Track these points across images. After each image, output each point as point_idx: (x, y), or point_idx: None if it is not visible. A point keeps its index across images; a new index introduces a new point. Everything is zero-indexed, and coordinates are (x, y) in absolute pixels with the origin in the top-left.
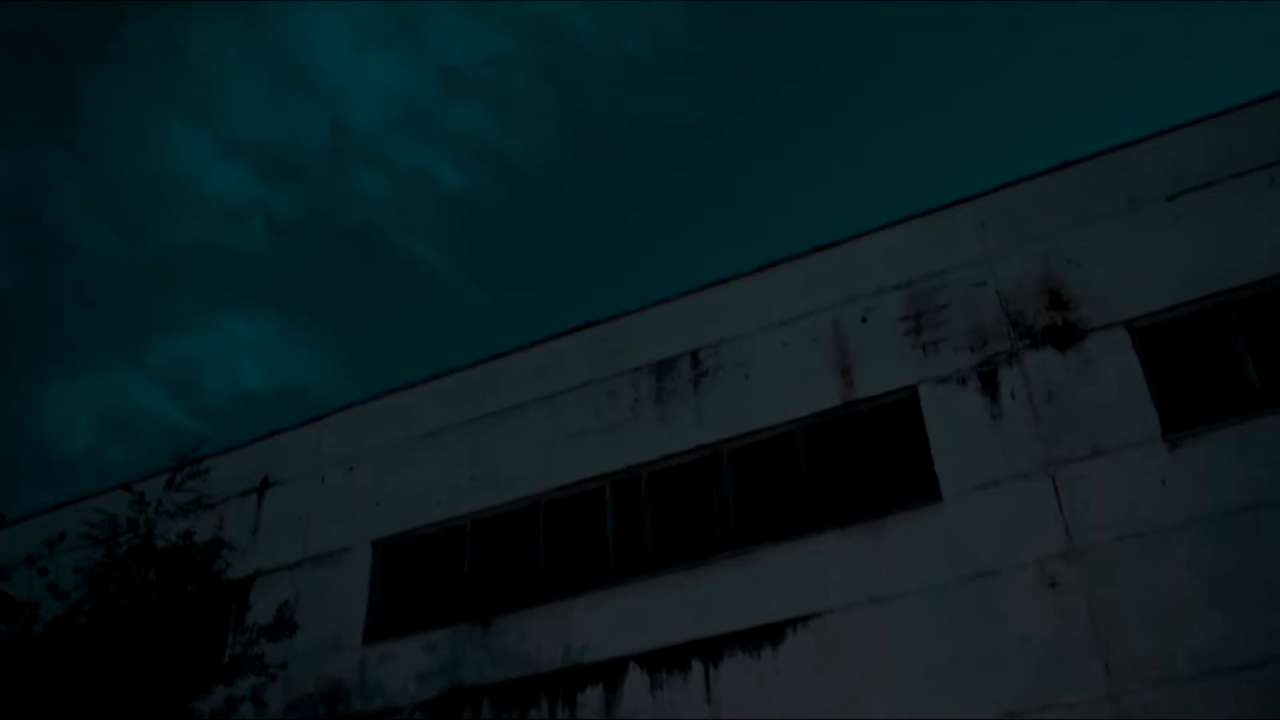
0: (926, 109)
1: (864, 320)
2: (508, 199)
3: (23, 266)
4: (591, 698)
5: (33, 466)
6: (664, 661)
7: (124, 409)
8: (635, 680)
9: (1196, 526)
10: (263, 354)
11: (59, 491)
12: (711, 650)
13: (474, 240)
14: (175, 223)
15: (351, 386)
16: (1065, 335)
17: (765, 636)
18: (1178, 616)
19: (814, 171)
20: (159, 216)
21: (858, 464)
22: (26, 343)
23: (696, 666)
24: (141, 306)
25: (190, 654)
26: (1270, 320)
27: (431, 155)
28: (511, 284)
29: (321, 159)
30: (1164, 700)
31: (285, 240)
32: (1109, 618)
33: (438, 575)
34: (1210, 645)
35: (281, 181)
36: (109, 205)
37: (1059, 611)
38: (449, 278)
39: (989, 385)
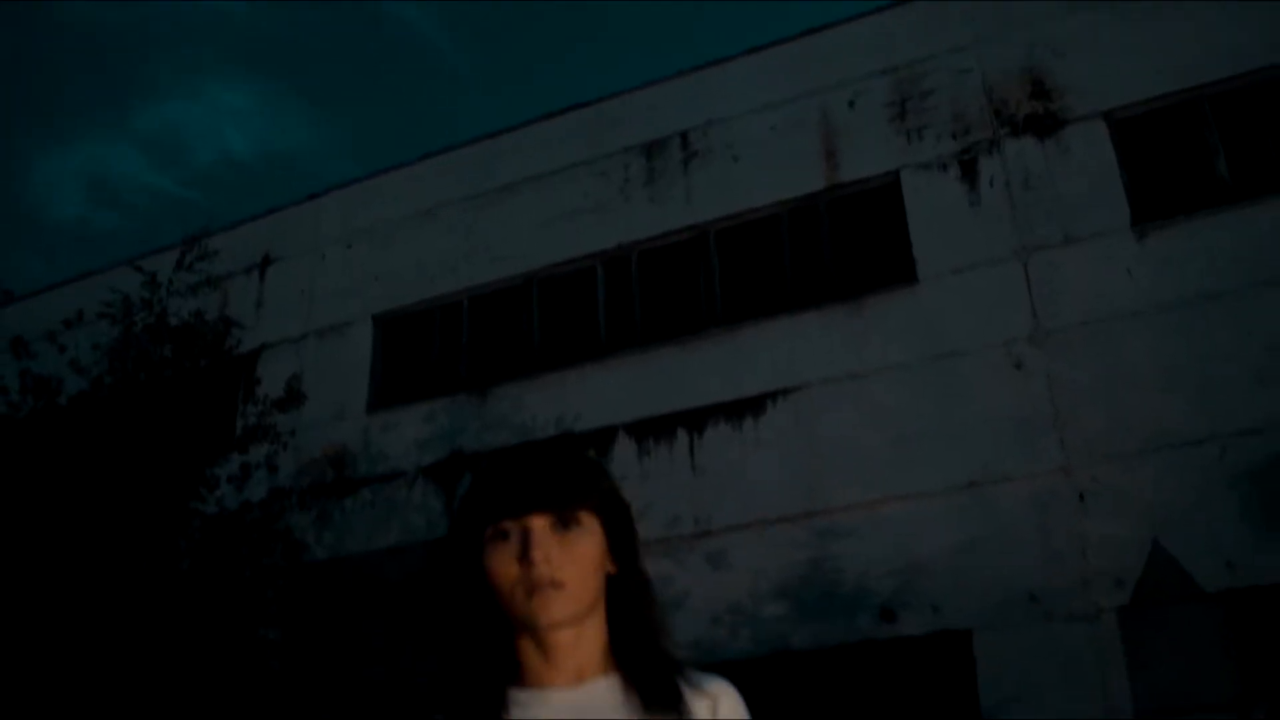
0: None
1: (851, 105)
2: None
3: (2, 32)
4: None
5: (23, 234)
6: (651, 430)
7: (111, 176)
8: (624, 447)
9: (1158, 314)
10: (249, 120)
11: (51, 258)
12: (696, 420)
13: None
14: None
15: (340, 154)
16: (1045, 124)
17: (747, 408)
18: (1132, 397)
19: None
20: None
21: (840, 246)
22: (9, 110)
23: (681, 435)
24: (123, 71)
25: (206, 424)
26: (1245, 115)
27: None
28: (499, 49)
29: None
30: (1112, 472)
31: (265, 1)
32: (1068, 397)
33: (436, 348)
34: (1159, 424)
35: None
36: None
37: (1022, 391)
38: (435, 39)
39: (969, 172)
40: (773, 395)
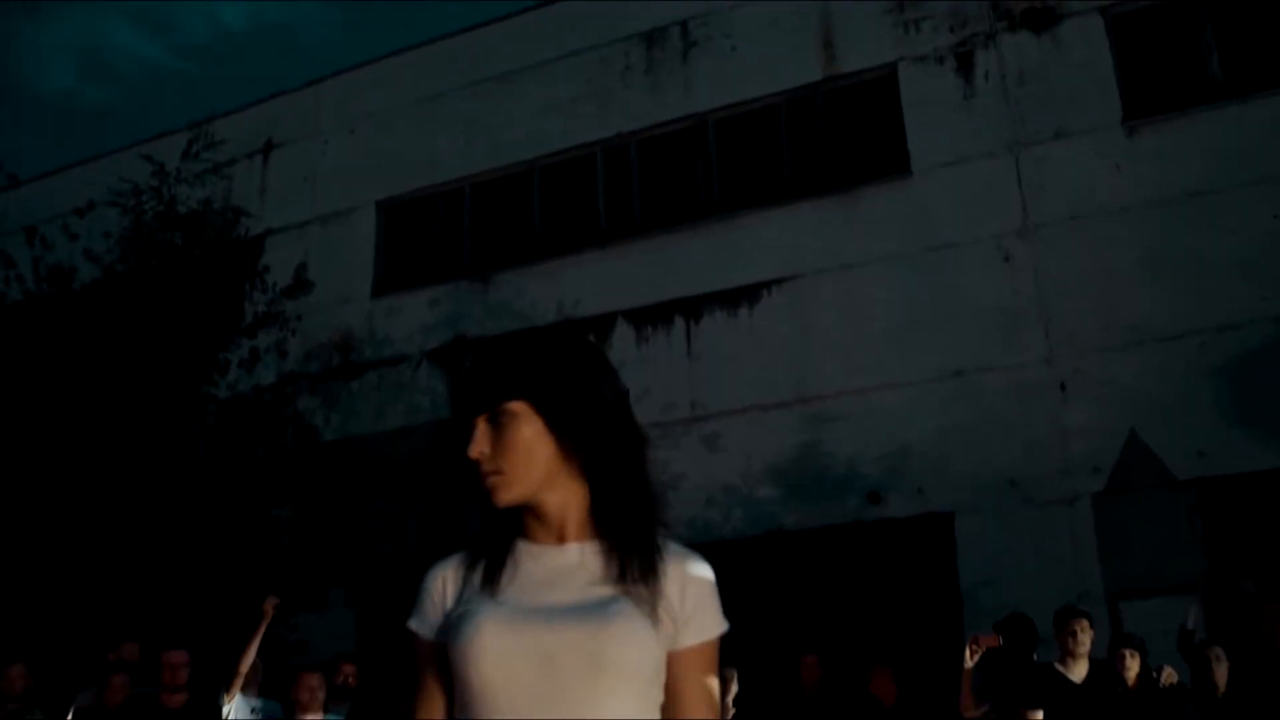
0: None
1: None
2: None
3: None
4: None
5: (11, 108)
6: (649, 317)
7: (100, 47)
8: (623, 333)
9: (1145, 210)
10: None
11: (41, 133)
12: (693, 307)
13: None
14: None
15: (335, 26)
16: (1042, 19)
17: (743, 296)
18: (1116, 291)
19: None
20: None
21: (836, 137)
22: None
23: (679, 321)
24: None
25: (215, 310)
26: (1238, 13)
27: None
28: None
29: None
30: (1093, 364)
31: None
32: (1054, 290)
33: (439, 234)
34: (1141, 318)
35: None
36: None
37: (1009, 283)
38: None
39: (965, 66)
40: (768, 284)
